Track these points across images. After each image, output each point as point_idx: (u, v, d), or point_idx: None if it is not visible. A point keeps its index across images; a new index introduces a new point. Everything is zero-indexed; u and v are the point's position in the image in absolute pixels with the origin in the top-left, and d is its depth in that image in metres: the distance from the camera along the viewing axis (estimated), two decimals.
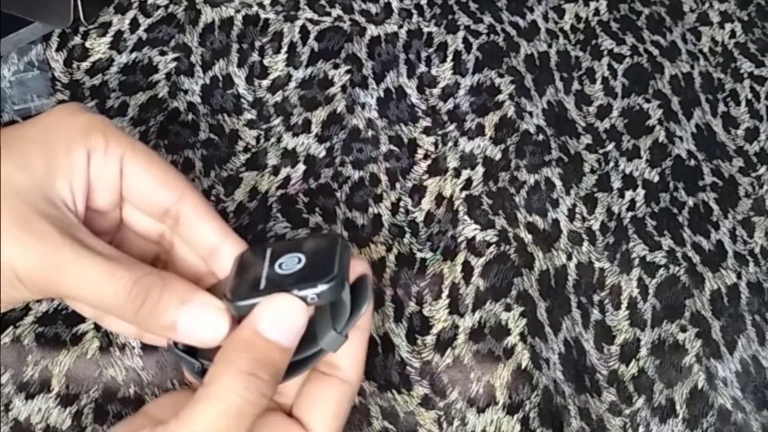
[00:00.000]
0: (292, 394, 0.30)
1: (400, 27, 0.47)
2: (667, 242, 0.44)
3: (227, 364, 0.26)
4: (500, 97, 0.46)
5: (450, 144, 0.44)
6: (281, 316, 0.26)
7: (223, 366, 0.26)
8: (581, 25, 0.51)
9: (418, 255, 0.40)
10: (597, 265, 0.42)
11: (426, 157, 0.43)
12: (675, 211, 0.45)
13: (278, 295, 0.26)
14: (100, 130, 0.28)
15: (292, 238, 0.29)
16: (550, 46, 0.49)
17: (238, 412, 0.25)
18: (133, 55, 0.43)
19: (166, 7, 0.44)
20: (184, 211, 0.30)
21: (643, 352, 0.40)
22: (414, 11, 0.48)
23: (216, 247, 0.30)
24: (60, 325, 0.35)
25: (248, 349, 0.26)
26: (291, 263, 0.28)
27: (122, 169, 0.29)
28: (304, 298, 0.27)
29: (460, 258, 0.40)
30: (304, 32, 0.45)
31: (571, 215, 0.43)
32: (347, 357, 0.30)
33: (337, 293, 0.27)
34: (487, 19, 0.49)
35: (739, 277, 0.44)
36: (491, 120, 0.45)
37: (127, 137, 0.29)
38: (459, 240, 0.41)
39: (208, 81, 0.43)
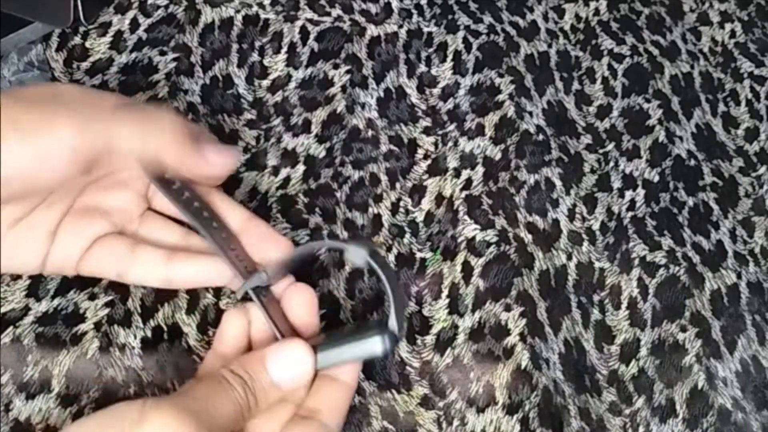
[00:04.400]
0: (301, 395, 0.33)
1: (400, 27, 0.47)
2: (667, 242, 0.44)
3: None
4: (500, 97, 0.46)
5: (450, 144, 0.44)
6: (290, 366, 0.31)
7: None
8: (581, 25, 0.51)
9: (418, 255, 0.40)
10: (597, 265, 0.42)
11: (426, 157, 0.43)
12: (675, 211, 0.45)
13: (292, 341, 0.32)
14: None
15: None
16: (550, 46, 0.49)
17: (220, 390, 0.30)
18: (133, 55, 0.43)
19: (166, 7, 0.44)
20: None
21: (643, 352, 0.40)
22: (414, 11, 0.48)
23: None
24: (60, 325, 0.35)
25: (244, 362, 0.31)
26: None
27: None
28: None
29: (460, 258, 0.40)
30: (304, 32, 0.45)
31: (571, 215, 0.43)
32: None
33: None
34: (487, 19, 0.49)
35: (739, 277, 0.44)
36: (491, 120, 0.45)
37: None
38: (459, 240, 0.41)
39: (208, 81, 0.43)
